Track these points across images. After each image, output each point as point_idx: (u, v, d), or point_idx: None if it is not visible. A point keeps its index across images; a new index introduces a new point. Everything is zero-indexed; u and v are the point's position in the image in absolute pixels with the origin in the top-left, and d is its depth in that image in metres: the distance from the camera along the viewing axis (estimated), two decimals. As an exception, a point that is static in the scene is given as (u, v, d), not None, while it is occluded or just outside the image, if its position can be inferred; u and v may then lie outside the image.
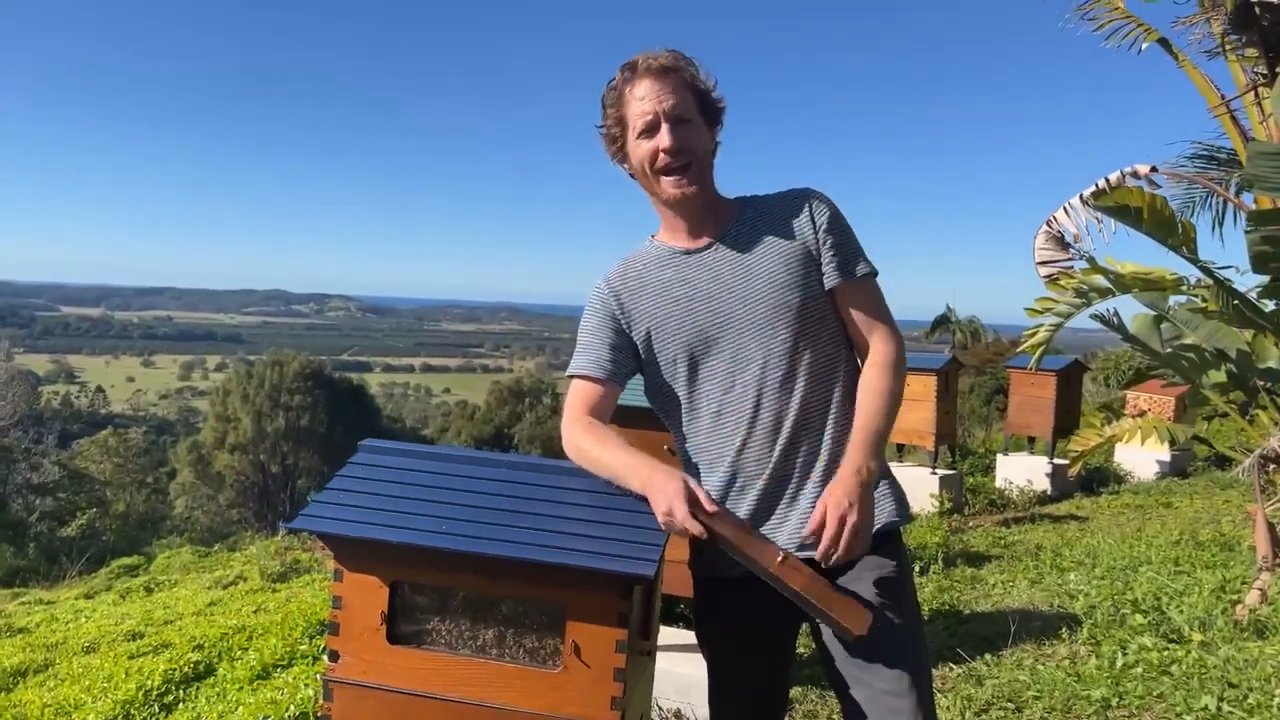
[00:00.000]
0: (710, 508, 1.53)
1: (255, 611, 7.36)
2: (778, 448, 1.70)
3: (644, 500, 1.58)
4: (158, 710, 4.46)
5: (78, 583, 13.36)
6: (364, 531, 1.53)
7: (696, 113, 1.69)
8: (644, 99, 1.66)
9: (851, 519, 1.58)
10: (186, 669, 4.85)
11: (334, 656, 1.58)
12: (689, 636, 3.36)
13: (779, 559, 1.54)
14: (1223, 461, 9.88)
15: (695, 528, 1.51)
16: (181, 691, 4.64)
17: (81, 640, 7.08)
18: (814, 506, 1.70)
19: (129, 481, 30.03)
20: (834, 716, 3.15)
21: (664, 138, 1.66)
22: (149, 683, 4.66)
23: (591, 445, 1.67)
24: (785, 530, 1.72)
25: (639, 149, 1.70)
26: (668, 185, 1.70)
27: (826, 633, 1.72)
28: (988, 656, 3.63)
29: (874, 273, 1.77)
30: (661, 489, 1.54)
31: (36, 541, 18.83)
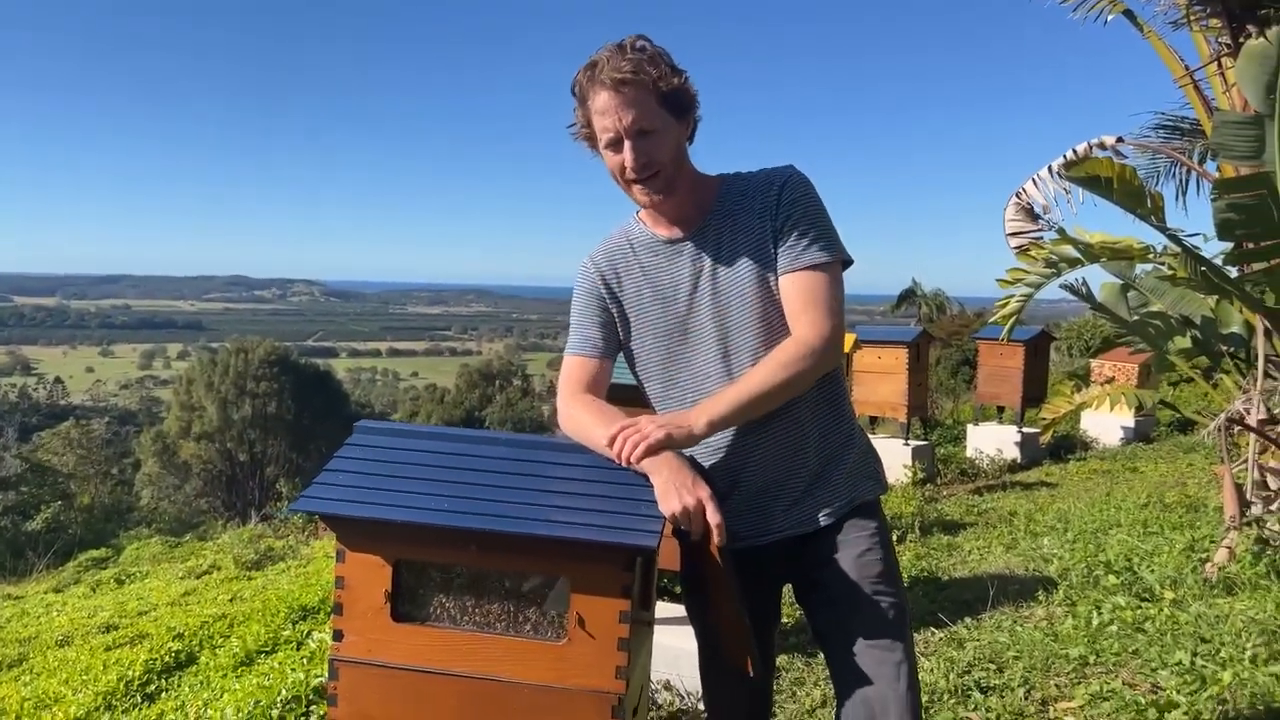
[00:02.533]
0: (715, 519, 1.52)
1: (231, 600, 7.32)
2: (754, 439, 1.72)
3: (643, 474, 1.59)
4: (140, 700, 4.43)
5: (45, 577, 13.16)
6: (366, 511, 1.53)
7: (661, 115, 1.65)
8: (604, 114, 1.64)
9: (640, 447, 1.53)
10: (167, 658, 4.81)
11: (338, 636, 1.58)
12: (675, 609, 3.40)
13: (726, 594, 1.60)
14: (1185, 426, 10.12)
15: (718, 538, 1.51)
16: (164, 681, 4.61)
17: (54, 634, 7.00)
18: (798, 498, 1.74)
19: (93, 473, 29.53)
20: (820, 682, 3.21)
21: (627, 155, 1.65)
22: (130, 673, 4.62)
23: (589, 421, 1.68)
24: (772, 521, 1.76)
25: (608, 159, 1.70)
26: (638, 193, 1.70)
27: (816, 595, 1.77)
28: (968, 620, 3.71)
29: (831, 261, 1.70)
30: (676, 487, 1.52)
31: (1, 536, 18.48)
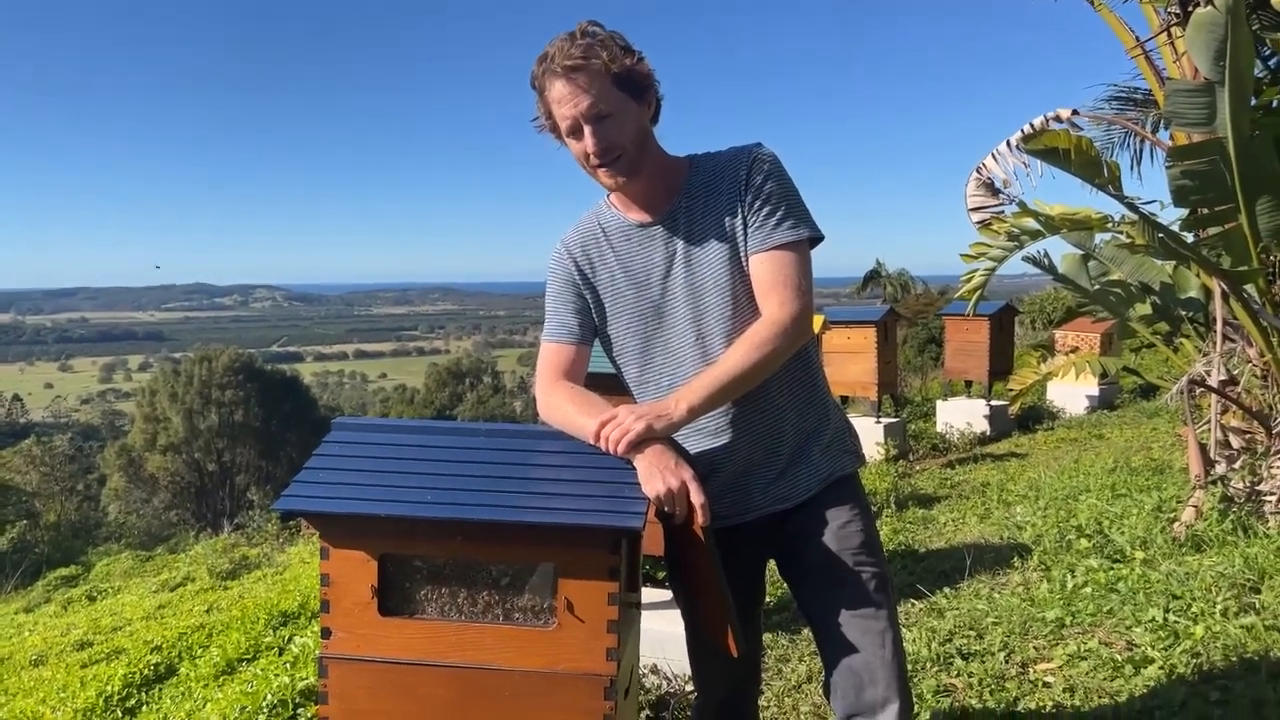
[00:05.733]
0: (699, 499, 1.53)
1: (208, 611, 7.24)
2: (731, 420, 1.74)
3: (626, 458, 1.60)
4: (121, 715, 4.38)
5: (14, 597, 12.93)
6: (349, 507, 1.52)
7: (618, 97, 1.65)
8: (561, 103, 1.64)
9: (623, 441, 1.56)
10: (147, 671, 4.76)
11: (326, 634, 1.57)
12: (659, 594, 3.42)
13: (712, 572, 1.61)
14: (1147, 392, 10.33)
15: (702, 519, 1.52)
16: (144, 694, 4.56)
17: (28, 654, 6.88)
18: (777, 476, 1.77)
19: (58, 490, 28.99)
20: (805, 657, 3.25)
21: (588, 141, 1.65)
22: (109, 688, 4.56)
23: (572, 410, 1.68)
24: (752, 498, 1.78)
25: (572, 147, 1.70)
26: (603, 177, 1.71)
27: (799, 568, 1.79)
28: (946, 590, 3.77)
29: (799, 239, 1.71)
30: (660, 470, 1.53)
31: (-35, 559, 18.08)
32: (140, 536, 24.62)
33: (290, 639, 4.47)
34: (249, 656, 4.53)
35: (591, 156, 1.67)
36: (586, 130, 1.65)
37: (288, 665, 3.68)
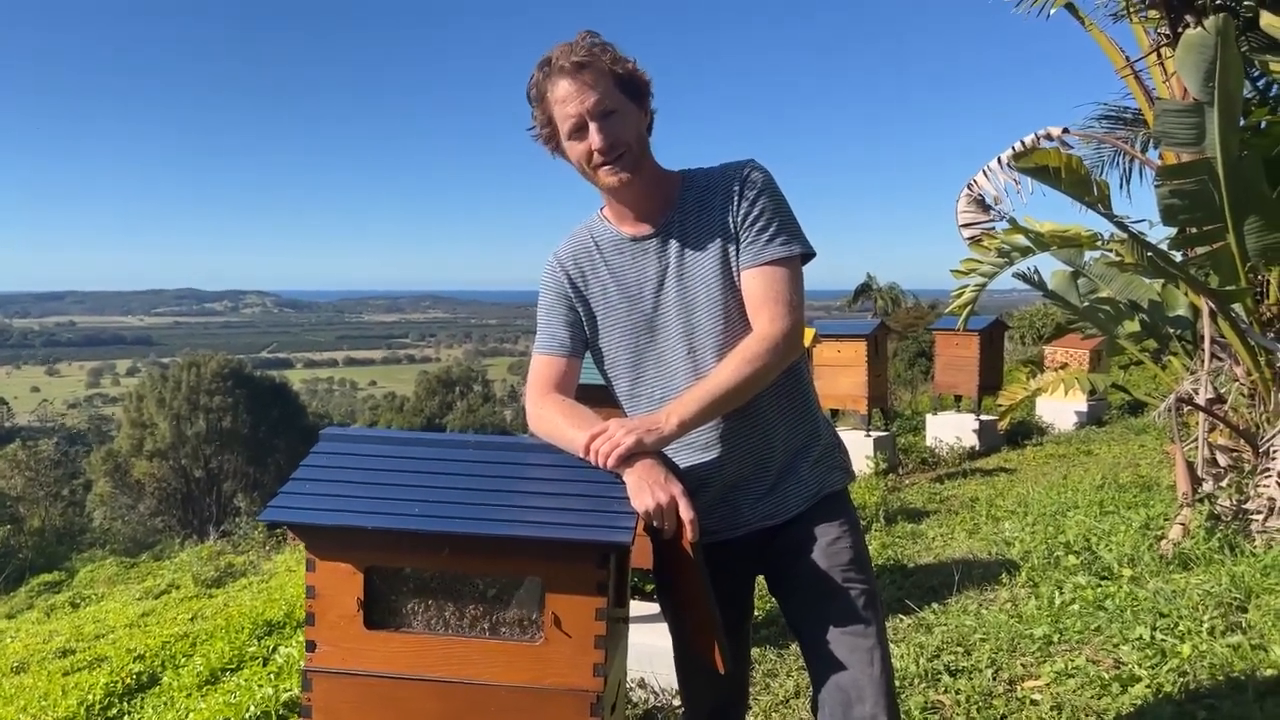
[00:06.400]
0: (689, 514, 1.52)
1: (192, 619, 7.18)
2: (721, 434, 1.73)
3: (615, 471, 1.59)
4: (102, 724, 4.32)
5: (-4, 603, 12.79)
6: (336, 519, 1.51)
7: (621, 98, 1.66)
8: (566, 101, 1.64)
9: (613, 455, 1.56)
10: (129, 680, 4.71)
11: (311, 647, 1.56)
12: (647, 608, 3.40)
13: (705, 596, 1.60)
14: (1135, 409, 10.37)
15: (691, 534, 1.52)
16: (125, 704, 4.51)
17: (9, 661, 6.81)
18: (767, 491, 1.76)
19: (43, 495, 28.74)
20: (793, 672, 3.24)
21: (594, 137, 1.65)
22: (90, 697, 4.51)
23: (562, 422, 1.67)
24: (741, 514, 1.77)
25: (573, 149, 1.70)
26: (605, 175, 1.69)
27: (788, 584, 1.79)
28: (934, 605, 3.77)
29: (791, 255, 1.71)
30: (649, 484, 1.53)
31: (-53, 564, 17.89)
32: (125, 543, 24.42)
33: (275, 649, 4.43)
34: (233, 666, 4.49)
35: (596, 154, 1.67)
36: (592, 127, 1.65)
37: (272, 676, 3.65)
